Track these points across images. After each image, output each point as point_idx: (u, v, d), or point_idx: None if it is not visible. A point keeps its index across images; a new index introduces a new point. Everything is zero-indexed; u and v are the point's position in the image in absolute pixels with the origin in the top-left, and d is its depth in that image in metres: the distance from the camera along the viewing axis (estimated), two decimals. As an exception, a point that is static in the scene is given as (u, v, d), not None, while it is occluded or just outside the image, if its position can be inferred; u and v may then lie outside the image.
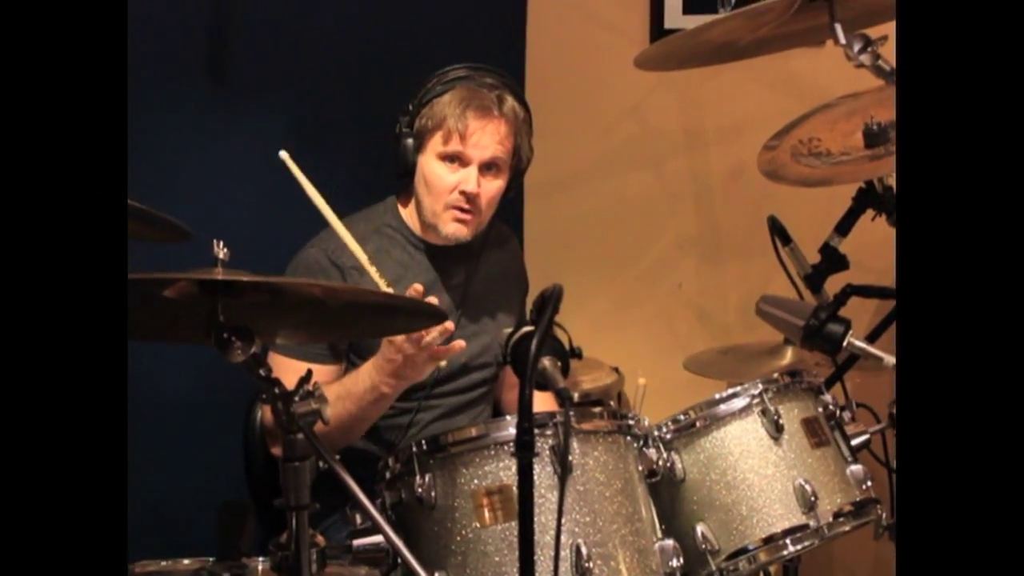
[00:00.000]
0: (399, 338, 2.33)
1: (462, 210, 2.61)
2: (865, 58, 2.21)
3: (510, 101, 2.62)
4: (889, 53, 2.26)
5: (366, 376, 2.46)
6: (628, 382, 3.41)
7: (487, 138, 2.57)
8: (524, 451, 1.74)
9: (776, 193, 3.02)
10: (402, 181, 2.69)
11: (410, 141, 2.61)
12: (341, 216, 2.72)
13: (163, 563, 2.20)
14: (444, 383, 2.70)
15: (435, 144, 2.59)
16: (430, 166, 2.60)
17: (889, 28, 2.32)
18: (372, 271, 2.36)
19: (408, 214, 2.71)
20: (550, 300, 1.84)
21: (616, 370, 3.40)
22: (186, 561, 2.22)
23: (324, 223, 2.68)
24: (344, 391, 2.47)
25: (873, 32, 2.25)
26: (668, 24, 3.43)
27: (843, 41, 2.21)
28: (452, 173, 2.59)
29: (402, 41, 3.24)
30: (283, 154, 2.26)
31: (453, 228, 2.63)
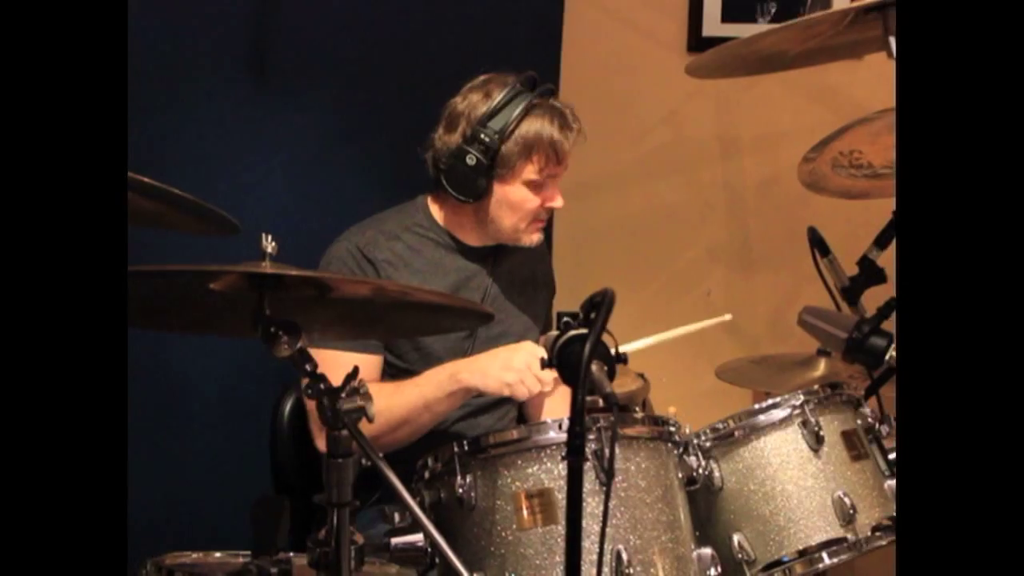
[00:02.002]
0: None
1: (540, 219, 2.65)
2: (917, 72, 2.19)
3: (571, 110, 2.63)
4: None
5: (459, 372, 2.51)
6: (654, 388, 3.40)
7: (570, 153, 2.60)
8: (575, 455, 1.72)
9: (808, 204, 3.03)
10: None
11: (487, 171, 2.56)
12: (373, 212, 2.72)
13: (194, 555, 2.18)
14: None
15: (527, 172, 2.57)
16: (518, 193, 2.59)
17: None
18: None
19: (439, 213, 2.71)
20: (603, 304, 1.83)
21: (642, 376, 3.39)
22: (217, 554, 2.20)
23: (363, 217, 2.68)
24: (423, 379, 2.53)
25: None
26: (707, 32, 3.43)
27: (896, 54, 2.19)
28: (537, 195, 2.60)
29: (439, 42, 3.24)
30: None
31: (536, 237, 2.67)
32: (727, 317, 2.93)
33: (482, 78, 2.61)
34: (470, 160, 2.55)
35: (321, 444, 2.60)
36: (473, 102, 2.58)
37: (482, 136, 2.54)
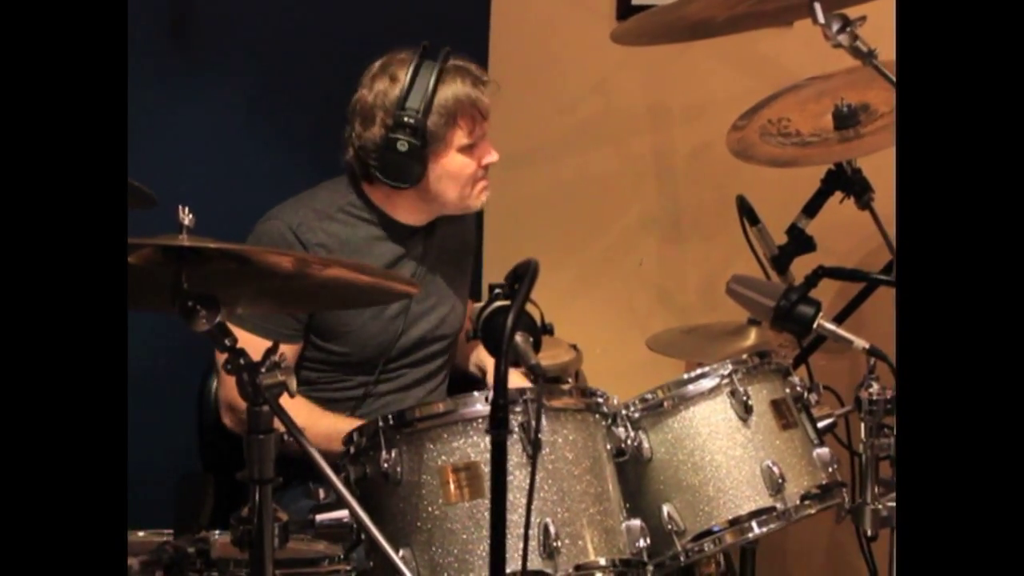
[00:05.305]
0: None
1: (483, 179, 2.63)
2: (843, 38, 2.19)
3: (476, 64, 2.61)
4: (866, 33, 2.24)
5: None
6: (587, 360, 3.39)
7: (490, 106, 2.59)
8: (498, 428, 1.70)
9: (740, 173, 3.02)
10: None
11: (420, 151, 2.52)
12: (294, 185, 2.67)
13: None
14: (402, 357, 2.68)
15: (457, 139, 2.56)
16: (455, 162, 2.57)
17: (867, 8, 2.31)
18: None
19: (373, 193, 2.65)
20: (526, 275, 1.81)
21: (574, 347, 3.38)
22: (140, 533, 2.17)
23: (287, 192, 2.63)
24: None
25: (851, 12, 2.23)
26: (636, 0, 3.39)
27: (822, 20, 2.18)
28: (472, 157, 2.59)
29: (367, 10, 3.18)
30: None
31: (484, 197, 2.66)
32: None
33: (378, 64, 2.59)
34: (401, 147, 2.51)
35: (227, 420, 2.60)
36: (382, 90, 2.54)
37: (405, 119, 2.50)
